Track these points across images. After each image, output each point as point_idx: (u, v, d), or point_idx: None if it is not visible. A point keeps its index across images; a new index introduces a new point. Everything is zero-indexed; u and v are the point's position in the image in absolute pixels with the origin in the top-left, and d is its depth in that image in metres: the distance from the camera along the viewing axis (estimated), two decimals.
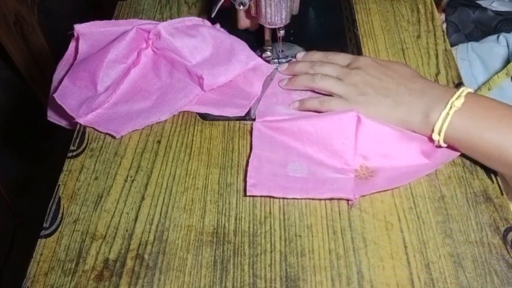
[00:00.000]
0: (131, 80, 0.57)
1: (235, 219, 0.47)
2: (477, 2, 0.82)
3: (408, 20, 0.66)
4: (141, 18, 0.69)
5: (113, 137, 0.54)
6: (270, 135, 0.52)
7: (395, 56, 0.61)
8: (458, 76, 0.58)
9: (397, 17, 0.66)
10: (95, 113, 0.56)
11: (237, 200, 0.48)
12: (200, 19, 0.60)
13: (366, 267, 0.43)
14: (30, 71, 1.28)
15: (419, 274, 0.42)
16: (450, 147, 0.48)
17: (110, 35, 0.60)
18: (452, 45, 0.76)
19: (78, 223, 0.47)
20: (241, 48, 0.57)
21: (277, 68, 0.59)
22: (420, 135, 0.49)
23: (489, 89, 0.67)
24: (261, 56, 0.59)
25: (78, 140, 0.55)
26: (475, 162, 0.49)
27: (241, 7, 0.52)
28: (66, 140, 0.56)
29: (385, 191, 0.47)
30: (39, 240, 0.46)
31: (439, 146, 0.48)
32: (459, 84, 0.57)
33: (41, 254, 0.45)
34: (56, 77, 0.62)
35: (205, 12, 0.70)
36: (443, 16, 0.80)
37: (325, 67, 0.55)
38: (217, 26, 0.60)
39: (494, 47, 0.74)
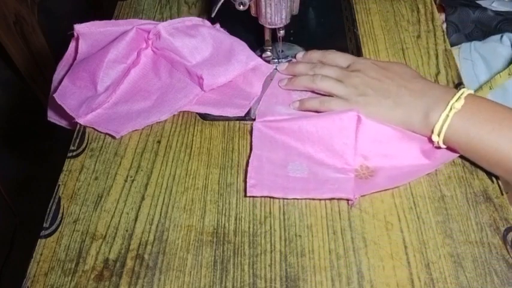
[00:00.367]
0: (131, 80, 0.57)
1: (235, 219, 0.47)
2: (477, 2, 0.82)
3: (408, 20, 0.66)
4: (141, 18, 0.69)
5: (113, 137, 0.54)
6: (270, 135, 0.52)
7: (396, 56, 0.61)
8: (458, 76, 0.58)
9: (397, 17, 0.66)
10: (94, 113, 0.56)
11: (237, 200, 0.48)
12: (200, 19, 0.60)
13: (366, 267, 0.43)
14: (30, 71, 1.28)
15: (419, 274, 0.42)
16: (450, 148, 0.48)
17: (109, 35, 0.60)
18: (452, 45, 0.76)
19: (78, 223, 0.47)
20: (241, 48, 0.57)
21: (276, 68, 0.59)
22: (420, 136, 0.49)
23: (490, 88, 0.67)
24: (261, 56, 0.59)
25: (78, 140, 0.55)
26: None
27: (241, 7, 0.52)
28: (66, 140, 0.56)
29: (385, 191, 0.47)
30: (39, 240, 0.46)
31: (439, 147, 0.48)
32: (459, 84, 0.57)
33: (41, 254, 0.45)
34: (56, 77, 0.62)
35: (205, 12, 0.70)
36: (443, 16, 0.80)
37: (325, 69, 0.55)
38: (217, 26, 0.60)
39: (497, 47, 0.74)
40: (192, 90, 0.56)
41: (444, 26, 0.80)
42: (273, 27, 0.55)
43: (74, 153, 0.54)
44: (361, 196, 0.47)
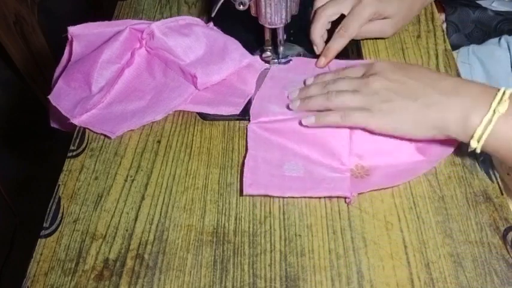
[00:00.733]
0: (125, 80, 0.57)
1: (235, 219, 0.47)
2: (477, 2, 0.82)
3: None
4: (141, 18, 0.69)
5: (108, 137, 0.54)
6: (265, 136, 0.52)
7: (395, 56, 0.61)
8: (458, 76, 0.58)
9: None
10: (89, 114, 0.56)
11: (237, 199, 0.48)
12: (193, 18, 0.60)
13: (365, 267, 0.43)
14: (30, 71, 1.28)
15: (419, 274, 0.42)
16: (445, 143, 0.48)
17: (103, 35, 0.60)
18: (452, 45, 0.76)
19: (78, 223, 0.47)
20: (235, 47, 0.57)
21: (268, 69, 0.59)
22: None
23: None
24: (261, 56, 0.59)
25: (78, 140, 0.55)
26: (475, 162, 0.49)
27: (241, 7, 0.52)
28: (66, 140, 0.56)
29: (385, 190, 0.47)
30: (39, 240, 0.46)
31: (431, 143, 0.47)
32: None
33: (41, 254, 0.45)
34: (54, 82, 0.62)
35: (205, 12, 0.70)
36: (443, 16, 0.80)
37: (339, 83, 0.50)
38: (211, 24, 0.61)
39: (495, 50, 0.73)
40: (187, 89, 0.56)
41: (444, 26, 0.80)
42: (273, 27, 0.55)
43: (74, 153, 0.54)
44: (361, 196, 0.47)
